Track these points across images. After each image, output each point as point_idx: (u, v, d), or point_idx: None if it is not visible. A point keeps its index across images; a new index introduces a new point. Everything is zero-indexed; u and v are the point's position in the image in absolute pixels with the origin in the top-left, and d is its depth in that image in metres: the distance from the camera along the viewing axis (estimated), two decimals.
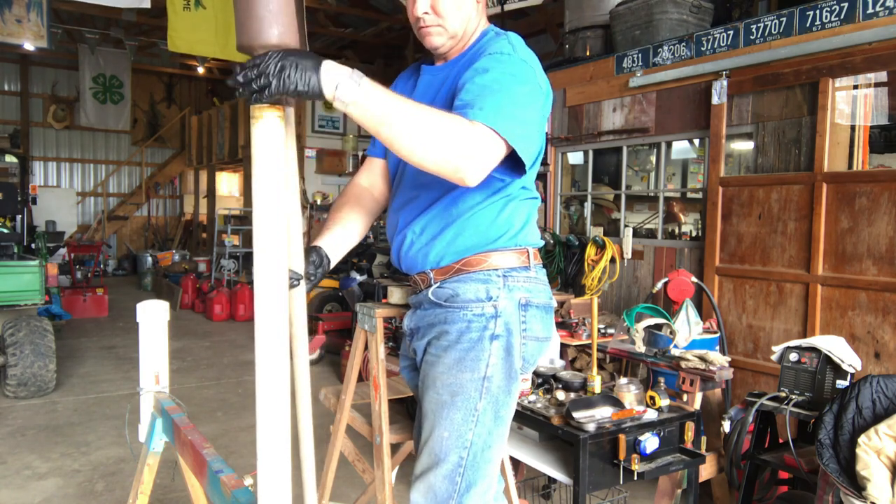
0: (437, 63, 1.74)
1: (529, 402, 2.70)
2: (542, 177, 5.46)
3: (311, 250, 1.70)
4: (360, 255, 7.83)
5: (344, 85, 1.19)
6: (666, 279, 3.85)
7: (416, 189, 1.69)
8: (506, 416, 1.68)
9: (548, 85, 1.61)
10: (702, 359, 2.98)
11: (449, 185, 1.53)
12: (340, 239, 1.78)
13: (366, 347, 2.36)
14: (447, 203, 1.64)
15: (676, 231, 5.06)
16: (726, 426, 2.83)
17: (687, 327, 3.41)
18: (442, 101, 1.61)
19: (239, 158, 11.33)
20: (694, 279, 3.79)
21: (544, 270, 1.77)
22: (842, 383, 2.61)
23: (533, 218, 1.75)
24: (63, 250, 10.35)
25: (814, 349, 2.69)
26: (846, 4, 3.42)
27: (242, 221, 10.03)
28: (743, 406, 2.82)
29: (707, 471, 3.00)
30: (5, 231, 6.27)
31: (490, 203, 1.63)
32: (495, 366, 1.62)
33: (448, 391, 1.63)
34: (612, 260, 4.63)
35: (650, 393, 2.65)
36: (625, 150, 4.91)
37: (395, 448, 2.73)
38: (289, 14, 1.10)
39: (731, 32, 3.99)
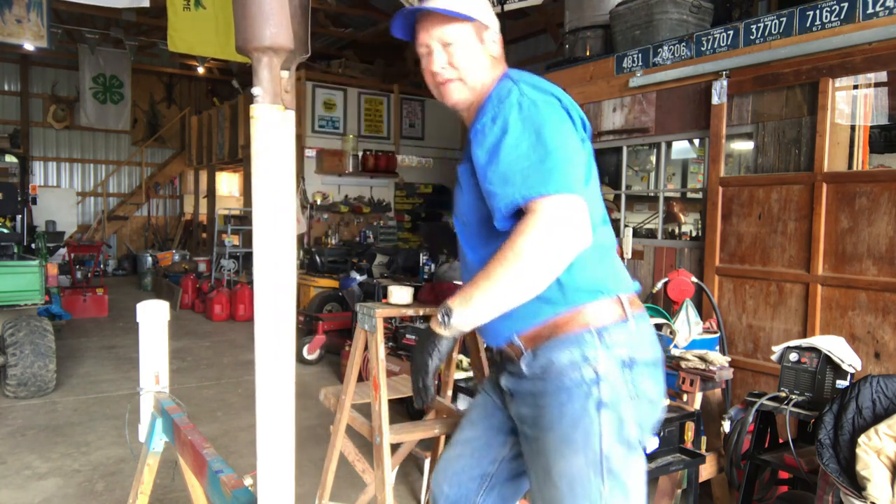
0: (466, 123, 1.63)
1: None
2: None
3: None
4: (361, 255, 7.84)
5: (453, 325, 1.39)
6: (666, 279, 3.85)
7: (475, 250, 1.59)
8: (636, 489, 1.48)
9: (559, 95, 1.49)
10: (702, 359, 2.98)
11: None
12: None
13: (366, 347, 2.36)
14: None
15: (676, 231, 5.06)
16: (726, 426, 2.83)
17: (687, 327, 3.41)
18: (466, 155, 1.57)
19: (239, 158, 11.33)
20: (694, 279, 3.79)
21: (646, 316, 1.57)
22: (842, 383, 2.61)
23: (611, 254, 1.57)
24: (63, 250, 10.35)
25: (814, 349, 2.69)
26: (846, 4, 3.42)
27: (242, 221, 10.03)
28: (743, 406, 2.82)
29: (707, 471, 3.00)
30: (5, 231, 6.27)
31: None
32: (609, 439, 1.42)
33: (565, 482, 1.44)
34: None
35: None
36: (625, 149, 4.91)
37: (394, 448, 2.73)
38: (283, 15, 1.10)
39: (731, 32, 3.99)
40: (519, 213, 1.38)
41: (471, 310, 1.37)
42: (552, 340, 1.48)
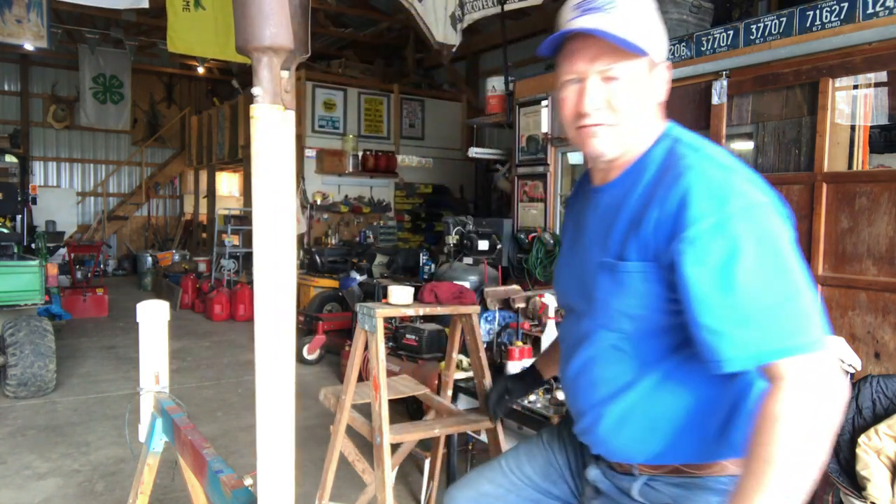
0: (596, 178, 1.32)
1: (529, 403, 2.69)
2: (542, 177, 5.46)
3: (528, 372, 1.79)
4: (360, 255, 7.84)
5: None
6: None
7: (624, 363, 1.25)
8: None
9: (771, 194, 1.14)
10: None
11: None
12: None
13: (366, 347, 2.36)
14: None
15: None
16: None
17: None
18: (603, 239, 1.23)
19: (239, 158, 11.33)
20: None
21: None
22: None
23: None
24: (63, 250, 10.36)
25: None
26: (846, 4, 3.42)
27: (242, 221, 10.03)
28: None
29: None
30: (5, 231, 6.27)
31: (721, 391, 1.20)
32: None
33: None
34: None
35: None
36: None
37: (395, 448, 2.73)
38: (283, 15, 1.10)
39: (731, 32, 3.99)
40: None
41: None
42: (683, 479, 1.23)
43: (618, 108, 1.18)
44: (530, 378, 1.83)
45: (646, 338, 1.18)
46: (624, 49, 1.15)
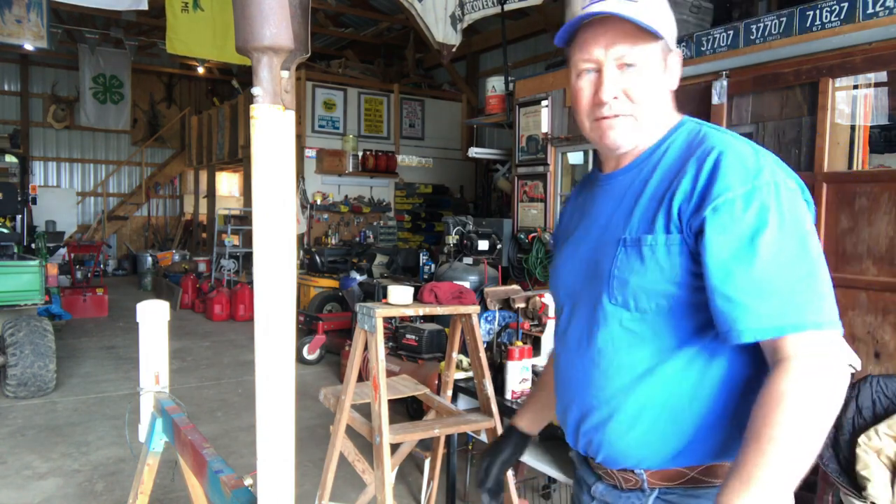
0: (608, 165, 1.28)
1: None
2: (542, 177, 5.46)
3: (508, 435, 1.53)
4: (360, 255, 7.84)
5: None
6: None
7: (635, 346, 1.18)
8: None
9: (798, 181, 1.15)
10: None
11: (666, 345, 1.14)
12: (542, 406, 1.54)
13: (366, 347, 2.36)
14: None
15: None
16: None
17: None
18: (623, 217, 1.19)
19: (239, 158, 11.34)
20: None
21: None
22: None
23: None
24: (63, 250, 10.37)
25: None
26: (846, 4, 3.42)
27: (242, 221, 10.04)
28: None
29: None
30: (5, 231, 6.27)
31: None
32: None
33: None
34: None
35: None
36: None
37: (394, 448, 2.73)
38: (283, 15, 1.10)
39: (731, 32, 3.99)
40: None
41: (759, 492, 0.96)
42: (701, 490, 1.15)
43: (636, 97, 1.16)
44: (515, 443, 1.53)
45: (667, 317, 1.13)
46: (640, 34, 1.13)
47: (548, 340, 3.39)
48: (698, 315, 1.11)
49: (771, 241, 1.02)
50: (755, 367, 1.11)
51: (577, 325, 1.26)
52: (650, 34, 1.14)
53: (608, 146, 1.20)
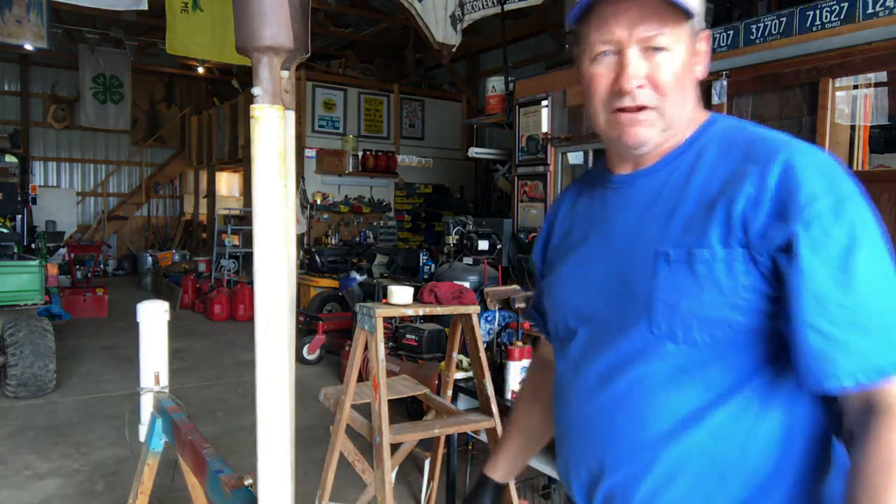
0: (624, 165, 1.08)
1: None
2: (542, 177, 5.46)
3: (480, 487, 1.34)
4: (360, 255, 7.85)
5: None
6: None
7: (674, 392, 0.96)
8: None
9: None
10: None
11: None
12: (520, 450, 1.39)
13: (366, 347, 2.36)
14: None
15: None
16: None
17: None
18: (657, 227, 0.99)
19: (239, 158, 11.34)
20: None
21: None
22: None
23: None
24: (63, 250, 10.37)
25: None
26: (846, 4, 3.42)
27: (242, 221, 10.04)
28: None
29: None
30: (5, 231, 6.27)
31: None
32: None
33: None
34: None
35: None
36: None
37: (394, 448, 2.73)
38: (283, 15, 1.10)
39: (731, 32, 3.99)
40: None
41: None
42: None
43: (663, 86, 0.96)
44: (491, 496, 1.36)
45: (723, 350, 0.93)
46: (670, 11, 0.95)
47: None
48: (759, 347, 0.93)
49: (866, 261, 0.85)
50: (815, 412, 0.94)
51: (597, 358, 1.03)
52: (681, 11, 0.95)
53: (629, 144, 1.01)
